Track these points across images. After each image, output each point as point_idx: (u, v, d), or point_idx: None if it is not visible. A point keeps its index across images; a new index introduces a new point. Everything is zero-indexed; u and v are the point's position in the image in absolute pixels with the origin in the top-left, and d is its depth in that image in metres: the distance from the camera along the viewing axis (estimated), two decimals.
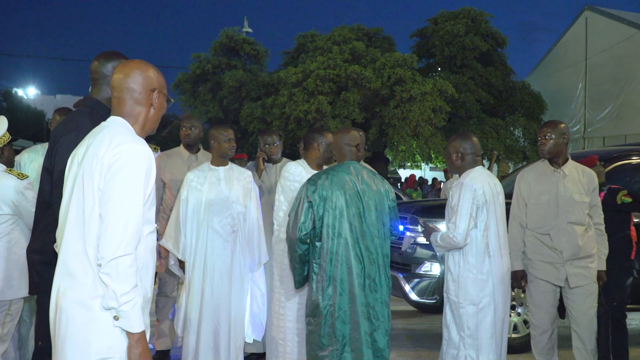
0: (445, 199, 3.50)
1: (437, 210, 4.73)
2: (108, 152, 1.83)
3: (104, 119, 2.03)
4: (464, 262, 3.28)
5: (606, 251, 3.75)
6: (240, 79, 16.73)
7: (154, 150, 3.27)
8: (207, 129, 6.49)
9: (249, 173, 3.91)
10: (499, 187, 3.38)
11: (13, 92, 36.39)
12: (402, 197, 9.05)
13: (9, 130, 3.50)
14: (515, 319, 4.73)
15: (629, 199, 3.91)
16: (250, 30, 24.28)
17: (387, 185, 3.27)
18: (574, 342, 3.68)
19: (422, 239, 4.78)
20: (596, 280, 3.65)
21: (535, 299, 3.74)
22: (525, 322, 4.71)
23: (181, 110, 19.18)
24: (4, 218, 3.35)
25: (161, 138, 20.44)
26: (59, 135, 2.39)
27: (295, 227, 3.07)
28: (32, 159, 3.98)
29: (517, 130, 16.84)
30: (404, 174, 23.95)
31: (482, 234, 3.26)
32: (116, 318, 1.78)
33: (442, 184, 12.02)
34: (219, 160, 3.79)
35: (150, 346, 4.32)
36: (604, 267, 3.71)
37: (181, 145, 4.51)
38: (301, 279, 3.20)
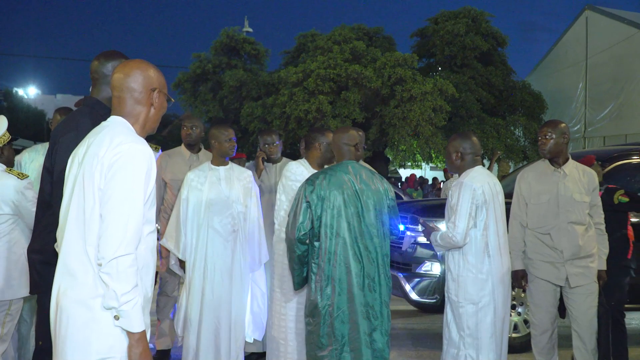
0: (446, 199, 3.50)
1: (438, 209, 4.73)
2: (108, 152, 1.84)
3: (104, 119, 2.03)
4: (464, 261, 3.28)
5: (606, 251, 3.75)
6: (241, 79, 16.73)
7: (155, 149, 3.26)
8: (208, 129, 6.49)
9: (250, 173, 3.91)
10: (498, 187, 3.38)
11: (13, 91, 36.44)
12: (403, 196, 9.06)
13: (8, 129, 3.50)
14: (515, 318, 4.73)
15: (626, 199, 3.91)
16: (250, 29, 24.31)
17: (386, 184, 3.26)
18: (574, 341, 3.68)
19: (422, 239, 4.78)
20: (596, 280, 3.65)
21: (535, 298, 3.74)
22: (526, 321, 4.71)
23: (181, 109, 19.18)
24: (4, 218, 3.35)
25: (161, 138, 20.45)
26: (59, 135, 2.39)
27: (294, 227, 3.06)
28: (33, 158, 3.98)
29: (517, 129, 16.84)
30: (404, 173, 23.95)
31: (482, 233, 3.26)
32: (117, 318, 1.78)
33: (441, 183, 12.03)
34: (220, 159, 3.79)
35: (151, 345, 4.33)
36: (604, 267, 3.72)
37: (182, 145, 4.51)
38: (300, 281, 3.18)
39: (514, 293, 4.60)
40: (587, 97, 16.41)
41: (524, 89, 17.42)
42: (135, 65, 2.02)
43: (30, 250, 2.54)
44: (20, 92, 38.54)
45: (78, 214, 1.86)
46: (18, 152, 4.14)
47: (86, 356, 1.80)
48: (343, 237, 3.05)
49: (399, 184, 17.98)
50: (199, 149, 4.52)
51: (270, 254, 3.93)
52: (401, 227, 4.78)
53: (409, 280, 4.99)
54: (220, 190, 3.71)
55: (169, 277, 4.48)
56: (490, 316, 3.25)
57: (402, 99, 14.01)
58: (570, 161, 3.71)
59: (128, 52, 2.61)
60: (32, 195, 3.31)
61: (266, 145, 4.49)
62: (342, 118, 14.05)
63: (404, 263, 5.09)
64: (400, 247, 4.81)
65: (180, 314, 3.72)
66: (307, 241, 3.08)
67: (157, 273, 4.12)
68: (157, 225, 3.59)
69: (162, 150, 4.26)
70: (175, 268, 3.89)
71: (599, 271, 3.67)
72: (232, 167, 3.84)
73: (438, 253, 4.18)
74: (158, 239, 3.56)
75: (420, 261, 4.98)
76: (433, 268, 4.92)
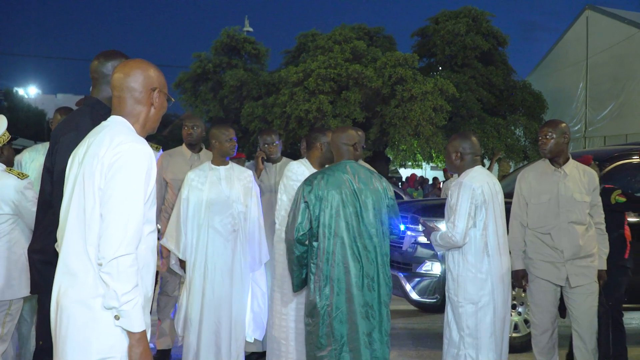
0: (446, 199, 3.51)
1: (438, 209, 4.73)
2: (109, 152, 1.84)
3: (105, 119, 2.03)
4: (463, 261, 3.28)
5: (607, 250, 3.75)
6: (241, 78, 16.72)
7: (156, 149, 3.26)
8: (208, 129, 6.49)
9: (250, 172, 3.91)
10: (497, 187, 3.38)
11: (14, 91, 36.47)
12: (403, 196, 9.04)
13: (9, 129, 3.50)
14: (515, 318, 4.73)
15: (623, 199, 3.92)
16: (251, 29, 24.26)
17: (385, 184, 3.25)
18: (574, 341, 3.69)
19: (422, 239, 4.78)
20: (597, 280, 3.65)
21: (535, 298, 3.74)
22: (526, 321, 4.71)
23: (182, 109, 19.19)
24: (4, 218, 3.35)
25: (162, 137, 20.45)
26: (60, 134, 2.39)
27: (293, 227, 3.05)
28: (33, 158, 3.98)
29: (518, 129, 16.82)
30: (404, 173, 23.95)
31: (481, 233, 3.26)
32: (117, 317, 1.78)
33: (442, 183, 12.02)
34: (220, 159, 3.79)
35: (151, 345, 4.33)
36: (604, 267, 3.72)
37: (183, 145, 4.52)
38: (299, 282, 3.17)
39: (514, 293, 4.60)
40: (587, 97, 16.41)
41: (524, 88, 17.41)
42: (135, 64, 2.02)
43: (31, 250, 2.54)
44: (21, 91, 38.58)
45: (78, 213, 1.86)
46: (18, 151, 4.14)
47: (86, 356, 1.80)
48: (341, 237, 3.04)
49: (400, 183, 17.97)
50: (200, 149, 4.52)
51: (271, 254, 3.93)
52: (402, 227, 4.77)
53: (409, 280, 4.99)
54: (221, 190, 3.71)
55: (169, 277, 4.48)
56: (490, 316, 3.25)
57: (402, 99, 14.01)
58: (571, 161, 3.72)
59: (128, 52, 2.61)
60: (32, 195, 3.31)
61: (266, 145, 4.49)
62: (342, 118, 14.04)
63: (405, 263, 5.09)
64: (401, 247, 4.81)
65: (181, 313, 3.72)
66: (306, 242, 3.07)
67: (157, 273, 4.13)
68: (157, 225, 3.60)
69: (162, 150, 4.26)
70: (176, 268, 3.89)
71: (599, 271, 3.68)
72: (233, 166, 3.85)
73: (438, 253, 4.18)
74: (159, 239, 3.56)
75: (420, 261, 4.98)
76: (433, 268, 4.92)
